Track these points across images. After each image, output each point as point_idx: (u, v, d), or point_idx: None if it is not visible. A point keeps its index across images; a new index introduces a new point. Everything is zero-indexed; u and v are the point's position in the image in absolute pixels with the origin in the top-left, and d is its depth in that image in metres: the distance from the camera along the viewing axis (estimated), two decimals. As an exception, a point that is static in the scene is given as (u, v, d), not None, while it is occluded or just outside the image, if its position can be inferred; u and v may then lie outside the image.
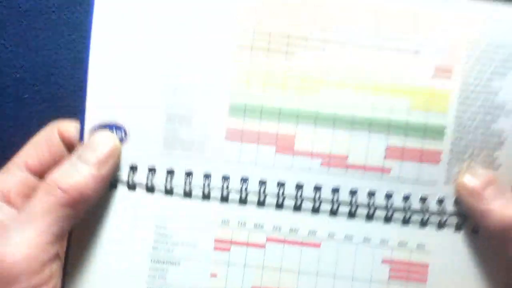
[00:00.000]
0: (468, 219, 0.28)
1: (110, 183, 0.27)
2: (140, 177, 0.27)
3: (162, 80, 0.27)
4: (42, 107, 0.32)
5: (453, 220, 0.28)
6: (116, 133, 0.27)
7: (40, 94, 0.30)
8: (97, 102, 0.27)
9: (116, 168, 0.27)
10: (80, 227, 0.26)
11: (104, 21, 0.27)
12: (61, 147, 0.27)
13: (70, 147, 0.27)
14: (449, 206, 0.28)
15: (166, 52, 0.27)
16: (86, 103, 0.27)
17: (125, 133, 0.27)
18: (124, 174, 0.27)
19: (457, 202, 0.28)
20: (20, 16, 0.28)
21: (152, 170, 0.27)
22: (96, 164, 0.25)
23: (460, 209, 0.28)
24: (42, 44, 0.31)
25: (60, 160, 0.26)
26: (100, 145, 0.26)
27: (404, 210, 0.28)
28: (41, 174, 0.26)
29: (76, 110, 0.26)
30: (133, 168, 0.27)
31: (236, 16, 0.27)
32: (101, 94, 0.27)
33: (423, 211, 0.28)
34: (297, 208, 0.28)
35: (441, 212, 0.28)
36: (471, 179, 0.27)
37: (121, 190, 0.27)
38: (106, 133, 0.27)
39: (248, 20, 0.27)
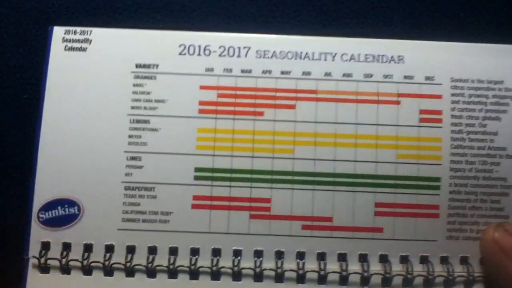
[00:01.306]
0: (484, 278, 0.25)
1: (62, 267, 0.25)
2: (97, 258, 0.25)
3: (118, 148, 0.25)
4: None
5: (462, 278, 0.25)
6: (69, 210, 0.25)
7: (40, 94, 0.29)
8: (48, 176, 0.25)
9: None
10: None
11: (54, 97, 0.26)
12: None
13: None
14: (456, 264, 0.25)
15: (122, 118, 0.26)
16: (36, 177, 0.25)
17: (79, 209, 0.25)
18: (78, 256, 0.25)
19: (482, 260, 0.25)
20: (20, 16, 0.27)
21: (110, 249, 0.25)
22: None
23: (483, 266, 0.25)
24: (42, 44, 0.29)
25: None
26: None
27: (406, 272, 0.25)
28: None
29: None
30: (88, 248, 0.25)
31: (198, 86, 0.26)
32: (53, 167, 0.25)
33: (427, 271, 0.25)
34: (278, 278, 0.25)
35: (447, 271, 0.25)
36: (506, 237, 0.24)
37: (75, 275, 0.25)
38: None
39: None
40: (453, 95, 0.26)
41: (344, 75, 0.26)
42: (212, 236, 0.25)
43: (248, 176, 0.26)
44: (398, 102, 0.26)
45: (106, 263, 0.25)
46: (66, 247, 0.25)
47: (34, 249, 0.25)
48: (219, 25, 0.27)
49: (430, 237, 0.25)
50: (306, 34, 0.27)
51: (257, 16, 0.28)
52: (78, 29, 0.26)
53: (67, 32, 0.26)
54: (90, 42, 0.26)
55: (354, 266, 0.25)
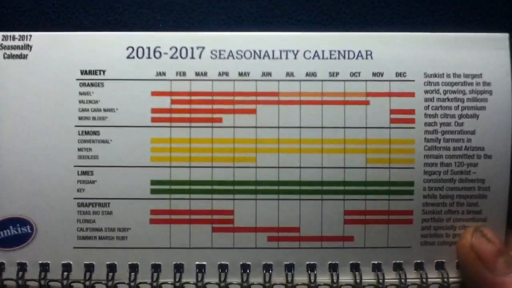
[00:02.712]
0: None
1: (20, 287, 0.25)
2: (54, 276, 0.25)
3: (67, 163, 0.25)
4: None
5: (437, 284, 0.25)
6: (22, 229, 0.25)
7: None
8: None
9: None
10: None
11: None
12: None
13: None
14: (431, 269, 0.25)
15: (70, 130, 0.25)
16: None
17: (32, 228, 0.25)
18: (34, 275, 0.25)
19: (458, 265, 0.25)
20: (20, 16, 0.27)
21: (67, 267, 0.25)
22: None
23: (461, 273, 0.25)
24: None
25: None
26: None
27: (378, 281, 0.25)
28: None
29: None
30: (45, 267, 0.25)
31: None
32: (1, 186, 0.25)
33: (400, 278, 0.25)
34: (245, 293, 0.26)
35: (421, 277, 0.25)
36: (483, 243, 0.24)
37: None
38: None
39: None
40: (426, 92, 0.25)
41: (307, 74, 0.25)
42: (173, 251, 0.25)
43: (208, 187, 0.25)
44: (366, 102, 0.25)
45: (65, 282, 0.25)
46: (22, 267, 0.25)
47: (-12, 270, 0.26)
48: (219, 25, 0.27)
49: (403, 244, 0.25)
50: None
51: (257, 16, 0.27)
52: (17, 34, 0.25)
53: (5, 38, 0.25)
54: (31, 48, 0.25)
55: (323, 277, 0.25)
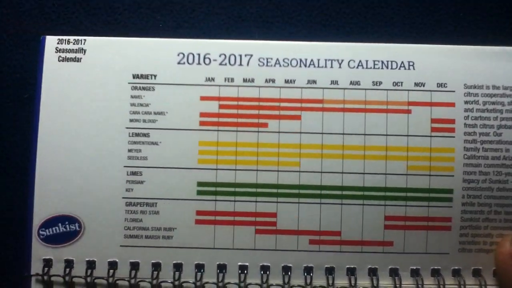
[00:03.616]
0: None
1: (66, 284, 0.26)
2: (100, 274, 0.26)
3: (117, 163, 0.26)
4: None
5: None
6: (70, 227, 0.27)
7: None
8: (47, 192, 0.26)
9: None
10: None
11: (49, 112, 0.26)
12: None
13: None
14: (468, 276, 0.26)
15: (121, 132, 0.26)
16: (34, 194, 0.26)
17: (80, 226, 0.27)
18: (81, 272, 0.26)
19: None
20: (21, 16, 0.29)
21: (113, 265, 0.26)
22: None
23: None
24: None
25: None
26: None
27: (416, 286, 0.26)
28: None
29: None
30: (91, 264, 0.26)
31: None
32: (51, 183, 0.26)
33: (438, 284, 0.26)
34: (286, 295, 0.27)
35: (459, 283, 0.26)
36: None
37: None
38: None
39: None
40: (466, 102, 0.27)
41: (351, 83, 0.27)
42: (217, 251, 0.27)
43: (253, 190, 0.27)
44: (408, 111, 0.27)
45: (110, 279, 0.26)
46: (69, 264, 0.27)
47: (35, 266, 0.26)
48: (219, 24, 0.29)
49: (441, 250, 0.27)
50: (306, 34, 0.28)
51: (257, 16, 0.29)
52: (72, 38, 0.27)
53: (60, 41, 0.27)
54: (85, 51, 0.27)
55: (363, 281, 0.26)
